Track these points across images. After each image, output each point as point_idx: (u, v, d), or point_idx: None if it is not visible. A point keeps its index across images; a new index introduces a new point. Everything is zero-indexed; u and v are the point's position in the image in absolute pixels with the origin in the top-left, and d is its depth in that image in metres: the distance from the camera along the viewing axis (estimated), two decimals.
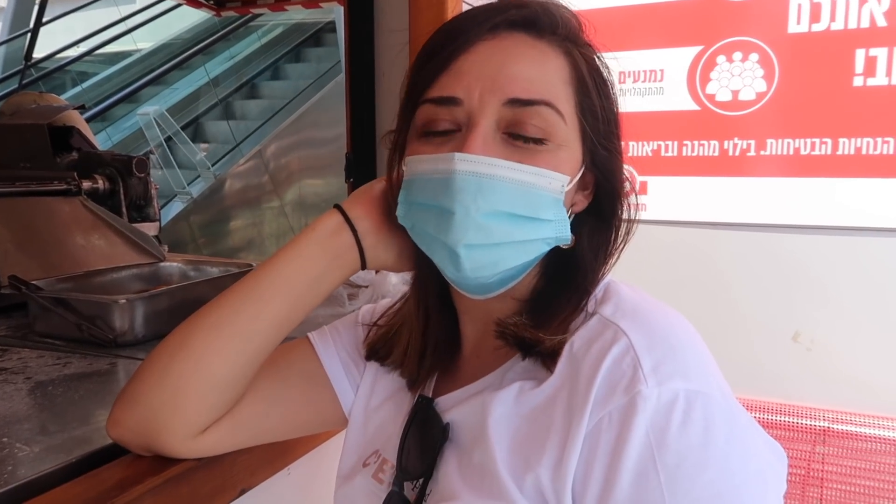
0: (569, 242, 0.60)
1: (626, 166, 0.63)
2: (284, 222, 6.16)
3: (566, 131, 0.57)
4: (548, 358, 0.56)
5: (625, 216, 0.63)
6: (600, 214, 0.62)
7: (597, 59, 0.61)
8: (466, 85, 0.57)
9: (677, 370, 0.52)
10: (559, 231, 0.58)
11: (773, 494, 0.52)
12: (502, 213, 0.55)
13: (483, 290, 0.61)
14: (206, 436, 0.66)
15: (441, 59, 0.58)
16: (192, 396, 0.63)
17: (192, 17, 7.15)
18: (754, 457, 0.53)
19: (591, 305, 0.59)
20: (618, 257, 0.63)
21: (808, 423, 1.97)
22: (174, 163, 6.03)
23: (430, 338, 0.67)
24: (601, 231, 0.62)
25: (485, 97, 0.56)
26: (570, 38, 0.59)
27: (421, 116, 0.59)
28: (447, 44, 0.59)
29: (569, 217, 0.60)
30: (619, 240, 0.63)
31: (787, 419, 1.99)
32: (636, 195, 0.63)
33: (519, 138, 0.56)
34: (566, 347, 0.56)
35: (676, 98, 2.06)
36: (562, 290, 0.60)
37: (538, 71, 0.57)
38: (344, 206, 0.66)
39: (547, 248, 0.59)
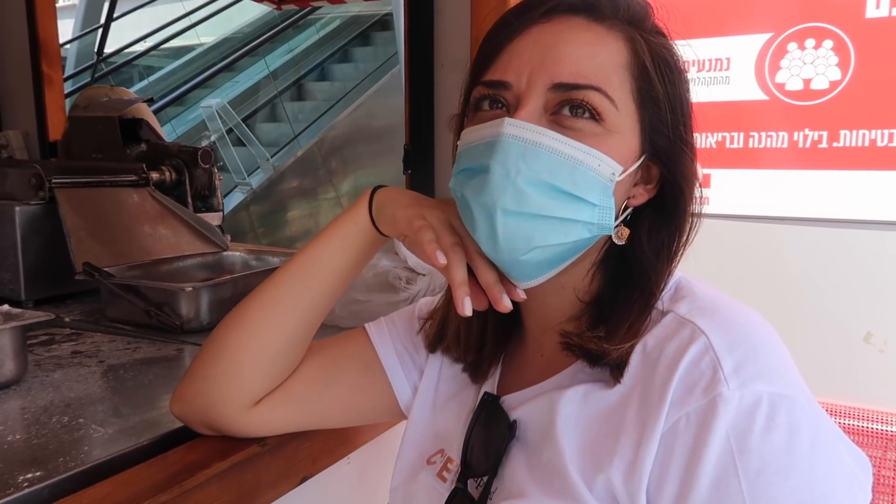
0: (612, 232, 0.57)
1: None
2: (339, 212, 6.25)
3: (618, 118, 0.55)
4: (615, 369, 0.55)
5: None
6: (662, 210, 0.59)
7: (664, 46, 0.59)
8: (516, 68, 0.56)
9: (760, 372, 0.50)
10: (603, 218, 0.55)
11: None
12: (543, 183, 0.53)
13: (522, 273, 0.57)
14: (259, 407, 0.69)
15: (496, 42, 0.59)
16: (247, 365, 0.67)
17: (252, 12, 7.30)
18: (840, 465, 0.50)
19: (662, 303, 0.57)
20: (681, 256, 0.60)
21: (880, 427, 1.88)
22: (235, 155, 6.18)
23: (489, 322, 0.67)
24: (662, 227, 0.59)
25: (532, 80, 0.55)
26: (633, 23, 0.57)
27: (474, 98, 0.60)
28: (503, 28, 0.59)
29: (624, 210, 0.58)
30: (684, 237, 0.60)
31: (856, 423, 1.90)
32: (700, 188, 0.60)
33: (565, 121, 0.55)
34: (638, 347, 0.55)
35: (743, 87, 1.98)
36: (625, 292, 0.58)
37: (589, 54, 0.55)
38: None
39: (588, 235, 0.56)
